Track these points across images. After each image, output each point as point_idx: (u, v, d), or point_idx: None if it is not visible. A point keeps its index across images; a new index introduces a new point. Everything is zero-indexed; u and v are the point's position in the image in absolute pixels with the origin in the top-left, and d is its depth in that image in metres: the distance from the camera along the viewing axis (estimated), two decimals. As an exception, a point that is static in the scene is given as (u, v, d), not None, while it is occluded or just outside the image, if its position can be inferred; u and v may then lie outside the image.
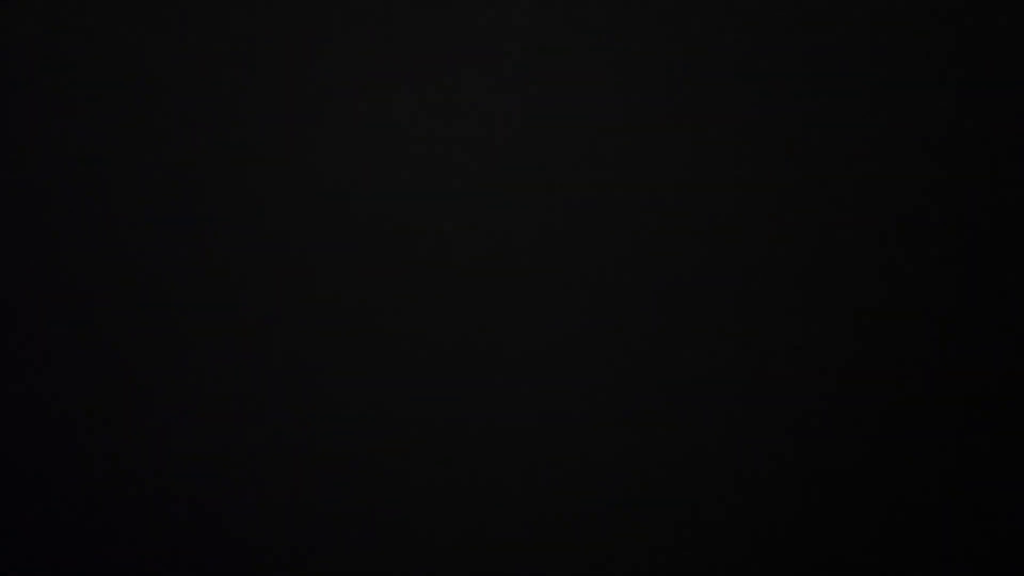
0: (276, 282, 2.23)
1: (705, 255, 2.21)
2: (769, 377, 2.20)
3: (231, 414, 2.22)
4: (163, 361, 2.23)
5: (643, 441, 2.20)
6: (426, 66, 2.23)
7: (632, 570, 2.20)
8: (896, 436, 2.20)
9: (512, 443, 2.21)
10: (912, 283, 2.20)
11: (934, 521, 2.19)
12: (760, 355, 2.20)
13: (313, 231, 2.23)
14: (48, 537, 2.23)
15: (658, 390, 2.20)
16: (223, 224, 2.23)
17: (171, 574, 2.21)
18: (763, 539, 2.19)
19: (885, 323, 2.20)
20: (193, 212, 2.23)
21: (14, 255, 2.24)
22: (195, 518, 2.21)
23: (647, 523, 2.20)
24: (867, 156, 2.20)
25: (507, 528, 2.21)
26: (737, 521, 2.19)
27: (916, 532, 2.19)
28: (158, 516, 2.22)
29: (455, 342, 2.22)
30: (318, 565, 2.22)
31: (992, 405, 2.20)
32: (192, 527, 2.21)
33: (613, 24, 2.22)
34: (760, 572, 2.19)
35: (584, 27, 2.22)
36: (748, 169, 2.21)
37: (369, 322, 2.22)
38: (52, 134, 2.24)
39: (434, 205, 2.22)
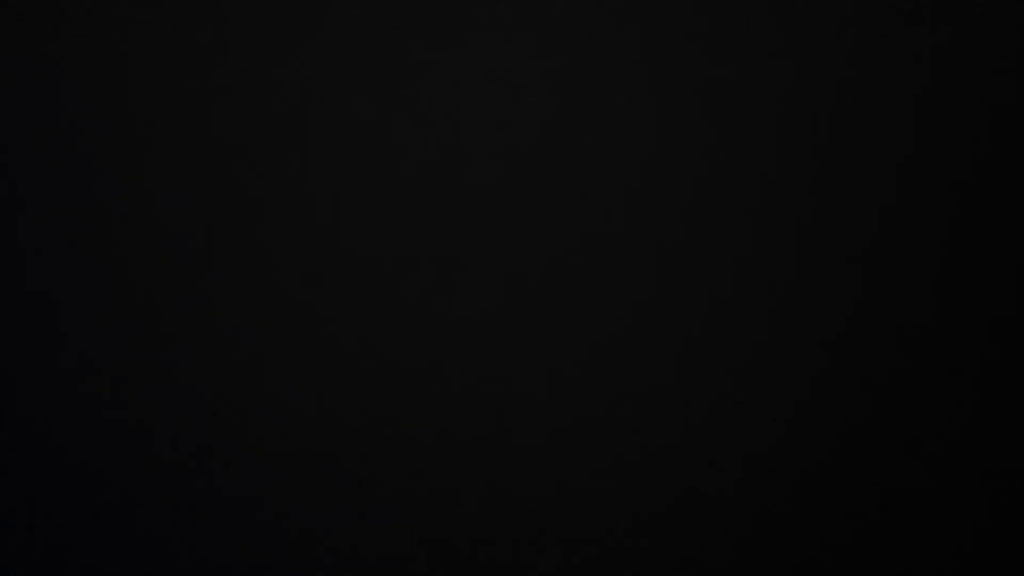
0: (278, 279, 2.23)
1: (704, 251, 2.21)
2: (768, 371, 2.20)
3: (236, 406, 2.22)
4: (154, 355, 2.22)
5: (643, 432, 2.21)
6: (426, 63, 2.23)
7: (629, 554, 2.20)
8: (894, 435, 2.20)
9: (513, 440, 2.21)
10: (911, 283, 2.21)
11: (930, 521, 2.19)
12: (756, 347, 2.20)
13: (313, 230, 2.23)
14: (53, 524, 2.23)
15: (656, 389, 2.20)
16: (225, 216, 2.23)
17: (182, 558, 2.21)
18: (758, 533, 2.20)
19: (899, 323, 2.20)
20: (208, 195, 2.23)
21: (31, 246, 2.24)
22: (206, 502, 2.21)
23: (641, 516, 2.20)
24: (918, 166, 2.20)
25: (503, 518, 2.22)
26: (733, 508, 2.20)
27: (913, 531, 2.20)
28: (162, 504, 2.22)
29: (454, 334, 2.22)
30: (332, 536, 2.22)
31: (989, 401, 2.20)
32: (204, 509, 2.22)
33: (616, 24, 2.22)
34: (758, 565, 2.19)
35: (587, 25, 2.22)
36: (738, 168, 2.21)
37: (380, 315, 2.22)
38: (61, 131, 2.24)
39: (434, 204, 2.22)
